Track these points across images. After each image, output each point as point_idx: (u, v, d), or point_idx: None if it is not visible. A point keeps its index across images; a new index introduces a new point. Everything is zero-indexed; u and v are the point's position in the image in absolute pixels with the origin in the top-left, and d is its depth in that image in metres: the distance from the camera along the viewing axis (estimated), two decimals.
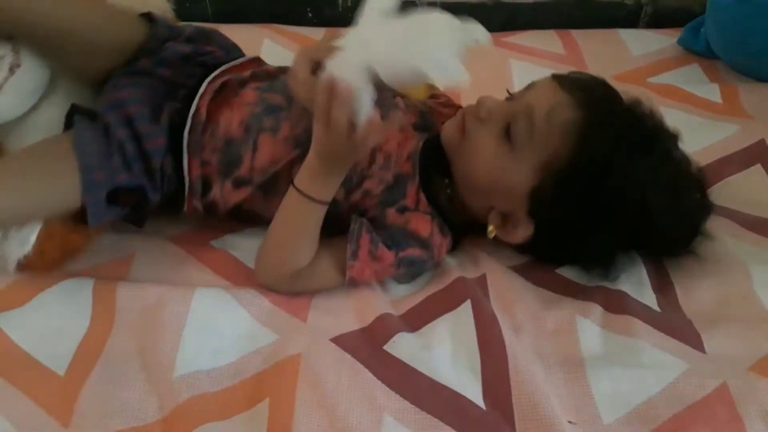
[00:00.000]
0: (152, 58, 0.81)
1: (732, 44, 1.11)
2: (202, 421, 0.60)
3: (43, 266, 0.76)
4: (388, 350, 0.66)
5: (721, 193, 0.86)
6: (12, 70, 0.78)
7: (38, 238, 0.73)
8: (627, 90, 0.75)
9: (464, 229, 0.80)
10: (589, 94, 0.72)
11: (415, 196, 0.77)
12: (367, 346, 0.67)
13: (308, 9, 1.36)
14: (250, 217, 0.81)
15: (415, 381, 0.64)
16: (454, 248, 0.80)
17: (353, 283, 0.74)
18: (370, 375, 0.64)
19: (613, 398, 0.62)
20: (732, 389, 0.61)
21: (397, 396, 0.62)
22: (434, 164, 0.78)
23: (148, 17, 0.83)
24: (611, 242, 0.73)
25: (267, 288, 0.74)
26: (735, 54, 1.13)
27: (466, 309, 0.70)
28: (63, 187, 0.72)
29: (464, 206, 0.79)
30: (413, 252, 0.74)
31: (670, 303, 0.73)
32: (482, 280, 0.75)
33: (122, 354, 0.67)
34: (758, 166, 0.90)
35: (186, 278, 0.76)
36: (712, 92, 1.08)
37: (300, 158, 0.72)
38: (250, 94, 0.79)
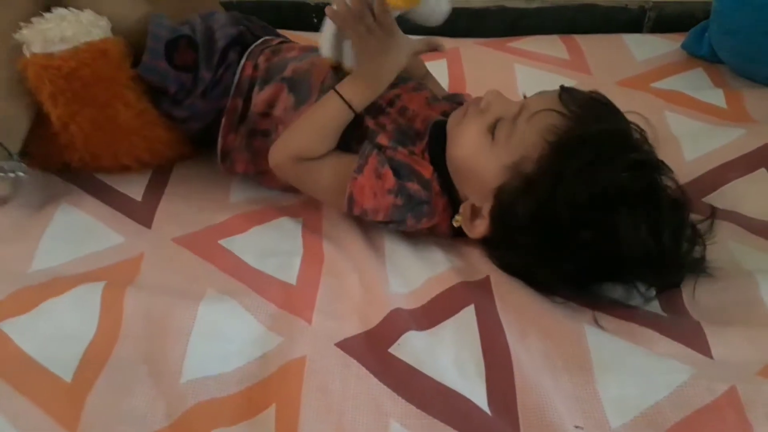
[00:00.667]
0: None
1: (736, 49, 1.12)
2: (210, 427, 0.60)
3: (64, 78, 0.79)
4: (394, 353, 0.66)
5: (725, 197, 0.86)
6: None
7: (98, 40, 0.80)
8: (633, 97, 0.74)
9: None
10: (583, 109, 0.71)
11: (422, 153, 0.80)
12: (373, 349, 0.67)
13: (313, 15, 1.36)
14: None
15: (420, 385, 0.63)
16: (456, 236, 0.81)
17: (351, 204, 0.76)
18: (375, 381, 0.64)
19: (620, 402, 0.62)
20: (741, 394, 0.61)
21: (403, 401, 0.62)
22: (441, 141, 0.80)
23: None
24: (571, 265, 0.70)
25: (273, 166, 0.81)
26: (739, 58, 1.13)
27: (469, 314, 0.70)
28: (137, 6, 0.86)
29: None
30: (413, 186, 0.76)
31: (677, 308, 0.73)
32: (486, 283, 0.75)
33: (129, 360, 0.67)
34: (762, 170, 0.90)
35: (195, 278, 0.76)
36: (717, 97, 1.08)
37: (334, 74, 0.84)
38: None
